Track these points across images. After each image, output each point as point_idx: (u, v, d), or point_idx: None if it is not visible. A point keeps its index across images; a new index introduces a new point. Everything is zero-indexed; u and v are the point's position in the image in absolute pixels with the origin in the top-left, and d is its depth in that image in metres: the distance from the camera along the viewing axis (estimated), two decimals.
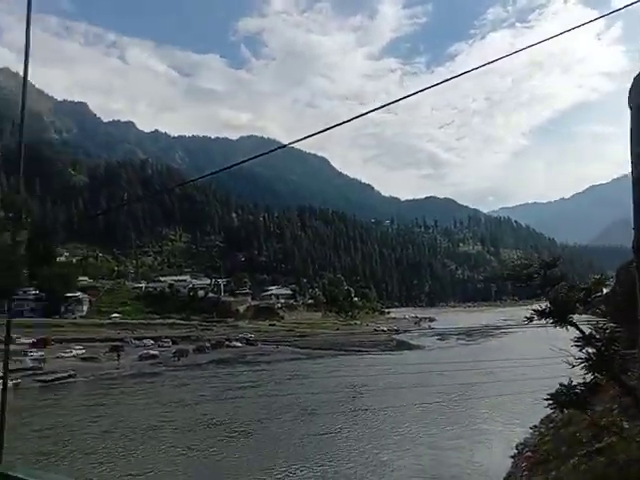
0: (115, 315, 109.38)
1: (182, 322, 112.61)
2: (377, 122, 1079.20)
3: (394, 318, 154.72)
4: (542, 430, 29.45)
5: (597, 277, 17.87)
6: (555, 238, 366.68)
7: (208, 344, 79.75)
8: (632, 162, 9.74)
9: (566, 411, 28.72)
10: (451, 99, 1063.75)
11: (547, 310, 16.80)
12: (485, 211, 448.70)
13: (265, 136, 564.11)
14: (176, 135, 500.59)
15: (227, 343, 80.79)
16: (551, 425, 29.34)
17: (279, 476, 24.62)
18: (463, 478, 23.88)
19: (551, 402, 18.08)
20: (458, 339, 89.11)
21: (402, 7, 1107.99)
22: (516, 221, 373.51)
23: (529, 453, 24.79)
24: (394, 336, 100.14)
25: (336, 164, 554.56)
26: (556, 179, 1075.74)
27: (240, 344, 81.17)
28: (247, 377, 52.06)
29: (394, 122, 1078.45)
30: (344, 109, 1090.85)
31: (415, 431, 31.01)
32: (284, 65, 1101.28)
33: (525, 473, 21.81)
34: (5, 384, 2.40)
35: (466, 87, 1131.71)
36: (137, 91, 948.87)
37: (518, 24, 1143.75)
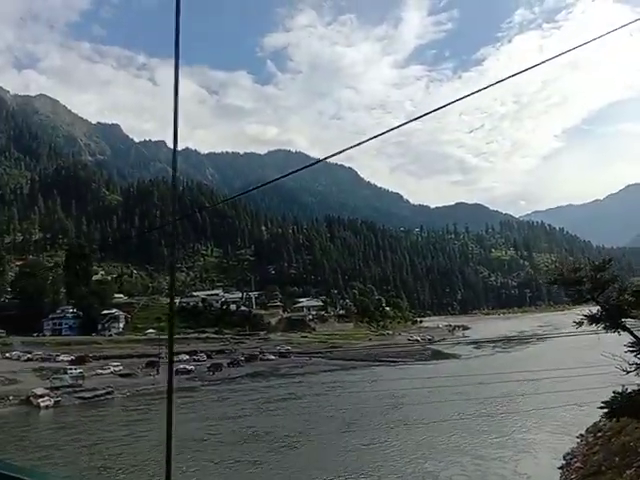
0: (150, 331, 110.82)
1: (215, 336, 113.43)
2: (403, 131, 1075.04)
3: (427, 327, 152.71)
4: (589, 439, 28.42)
5: None
6: (591, 241, 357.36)
7: (242, 357, 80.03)
8: None
9: (615, 420, 27.57)
10: (480, 103, 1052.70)
11: (598, 314, 16.27)
12: (517, 216, 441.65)
13: (292, 149, 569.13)
14: (206, 152, 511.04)
15: (261, 356, 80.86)
16: (599, 434, 28.27)
17: None
18: None
19: (605, 410, 17.40)
20: (494, 347, 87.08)
21: (427, 14, 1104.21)
22: (549, 224, 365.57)
23: (578, 464, 23.89)
24: (428, 346, 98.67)
25: (363, 174, 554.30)
26: (590, 180, 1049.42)
27: (273, 357, 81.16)
28: (285, 390, 51.95)
29: (421, 130, 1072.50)
30: (369, 120, 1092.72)
31: (459, 441, 30.45)
32: (310, 78, 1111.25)
33: None
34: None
35: (494, 90, 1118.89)
36: (167, 111, 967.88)
37: (546, 25, 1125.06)
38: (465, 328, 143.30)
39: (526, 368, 54.92)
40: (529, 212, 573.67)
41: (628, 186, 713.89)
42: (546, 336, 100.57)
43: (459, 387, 43.19)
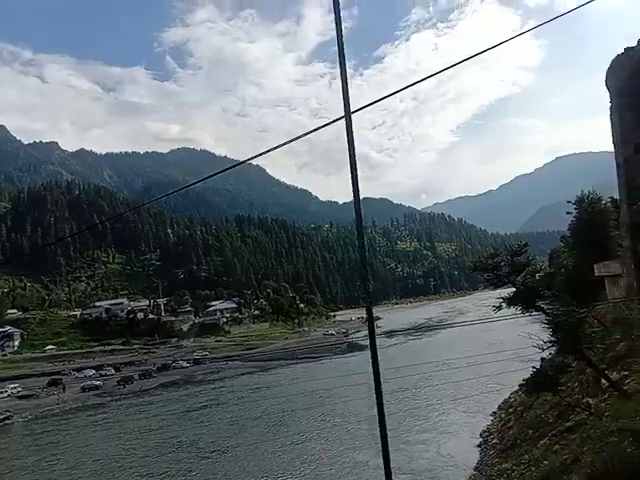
0: (50, 347, 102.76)
1: (123, 347, 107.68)
2: (308, 127, 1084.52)
3: (341, 321, 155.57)
4: (502, 416, 29.88)
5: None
6: (486, 229, 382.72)
7: (154, 367, 76.32)
8: (614, 143, 9.72)
9: (530, 395, 29.12)
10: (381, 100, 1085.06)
11: (515, 297, 16.87)
12: (419, 208, 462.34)
13: (197, 147, 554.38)
14: (103, 153, 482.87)
15: (174, 364, 77.61)
16: (511, 410, 29.83)
17: None
18: (436, 471, 23.65)
19: (526, 386, 18.10)
20: (406, 336, 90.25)
21: (327, 11, 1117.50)
22: (449, 215, 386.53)
23: (495, 440, 24.93)
24: (344, 339, 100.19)
25: (272, 172, 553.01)
26: (484, 172, 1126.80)
27: (187, 364, 78.21)
28: (205, 396, 50.06)
29: (326, 128, 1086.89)
30: (275, 117, 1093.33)
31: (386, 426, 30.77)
32: (212, 74, 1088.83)
33: (495, 460, 21.82)
34: None
35: (394, 87, 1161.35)
36: (59, 109, 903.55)
37: (440, 24, 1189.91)
38: (377, 318, 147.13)
39: (439, 353, 57.42)
40: (430, 204, 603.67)
41: (517, 177, 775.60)
42: (452, 322, 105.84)
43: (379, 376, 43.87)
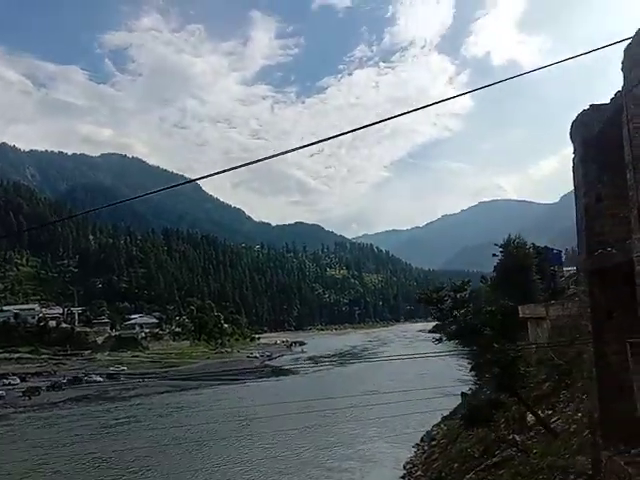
0: None
1: (31, 356, 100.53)
2: (248, 148, 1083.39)
3: (265, 343, 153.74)
4: (425, 448, 30.50)
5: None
6: (411, 263, 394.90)
7: (64, 380, 71.51)
8: (576, 192, 10.41)
9: (445, 427, 29.79)
10: (320, 129, 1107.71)
11: (458, 331, 17.49)
12: (350, 237, 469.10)
13: (129, 154, 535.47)
14: (27, 149, 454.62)
15: (86, 378, 73.14)
16: (434, 443, 30.51)
17: None
18: None
19: (462, 422, 18.61)
20: (330, 362, 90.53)
21: (275, 36, 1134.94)
22: (377, 247, 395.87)
23: (419, 472, 25.31)
24: (267, 362, 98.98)
25: (205, 187, 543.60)
26: (412, 209, 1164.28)
27: (100, 379, 73.95)
28: (122, 413, 47.32)
29: (264, 148, 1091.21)
30: (214, 133, 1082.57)
31: (308, 454, 30.74)
32: (152, 82, 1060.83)
33: None
34: None
35: (334, 118, 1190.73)
36: None
37: (382, 63, 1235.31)
38: (302, 344, 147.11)
39: (364, 381, 57.95)
40: (360, 234, 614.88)
41: (442, 216, 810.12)
42: (376, 350, 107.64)
43: (301, 402, 43.68)
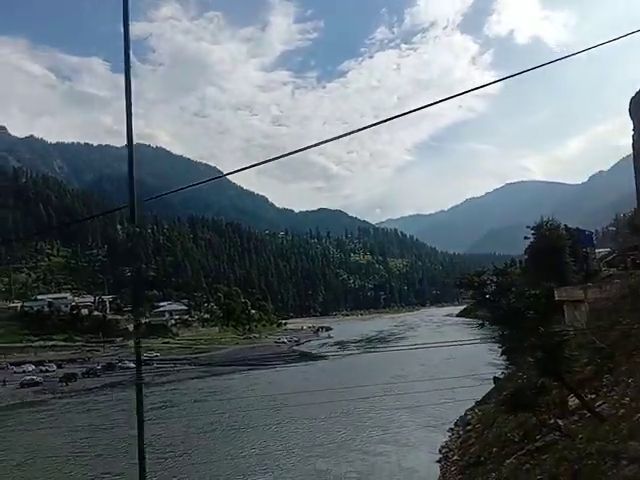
0: None
1: (65, 343, 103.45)
2: (269, 134, 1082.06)
3: (292, 329, 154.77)
4: (460, 433, 30.35)
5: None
6: (436, 247, 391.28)
7: (99, 366, 73.32)
8: (635, 162, 10.12)
9: (479, 412, 29.48)
10: (342, 114, 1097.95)
11: (502, 316, 17.19)
12: (373, 222, 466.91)
13: (152, 144, 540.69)
14: (54, 142, 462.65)
15: (119, 364, 74.81)
16: (469, 427, 30.33)
17: None
18: None
19: (503, 406, 18.40)
20: (359, 347, 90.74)
21: (294, 21, 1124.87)
22: (401, 232, 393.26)
23: (456, 457, 25.21)
24: (295, 347, 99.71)
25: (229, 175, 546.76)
26: (437, 192, 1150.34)
27: (134, 365, 75.54)
28: (158, 398, 48.20)
29: (287, 135, 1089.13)
30: (235, 120, 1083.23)
31: (344, 438, 31.19)
32: (172, 72, 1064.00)
33: (459, 477, 22.05)
34: None
35: (356, 102, 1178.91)
36: (8, 93, 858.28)
37: (403, 45, 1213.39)
38: (328, 329, 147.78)
39: (393, 366, 57.96)
40: (384, 220, 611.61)
41: (467, 199, 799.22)
42: (402, 335, 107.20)
43: (333, 387, 43.93)
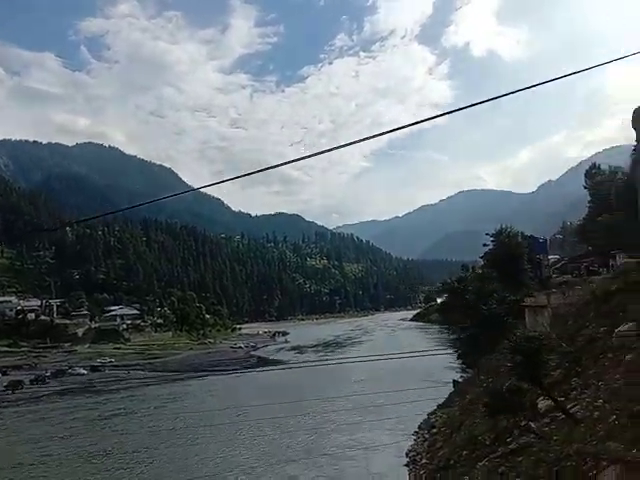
0: None
1: (9, 349, 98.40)
2: (226, 137, 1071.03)
3: (247, 334, 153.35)
4: (426, 436, 30.60)
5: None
6: (391, 253, 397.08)
7: (47, 373, 69.97)
8: (636, 174, 10.37)
9: (444, 415, 29.79)
10: (300, 119, 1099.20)
11: (483, 320, 17.41)
12: (330, 227, 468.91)
13: (105, 144, 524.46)
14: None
15: (70, 371, 71.68)
16: (434, 430, 30.63)
17: None
18: None
19: (486, 410, 18.58)
20: (316, 352, 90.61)
21: (254, 25, 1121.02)
22: (357, 237, 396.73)
23: (425, 460, 25.34)
24: (252, 352, 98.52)
25: (184, 177, 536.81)
26: (392, 199, 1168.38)
27: (85, 371, 72.59)
28: (113, 405, 46.38)
29: (243, 138, 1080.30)
30: (193, 122, 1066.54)
31: (311, 441, 30.84)
32: (128, 70, 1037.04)
33: None
34: None
35: (314, 107, 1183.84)
36: None
37: (362, 53, 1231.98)
38: (285, 334, 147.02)
39: (352, 371, 58.02)
40: (341, 225, 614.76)
41: (422, 206, 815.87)
42: (358, 340, 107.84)
43: (294, 392, 43.64)
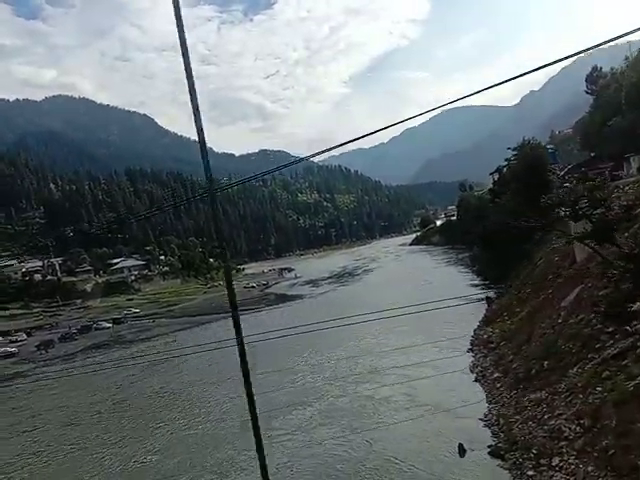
0: None
1: (22, 311, 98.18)
2: (198, 74, 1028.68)
3: (253, 274, 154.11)
4: (485, 351, 31.11)
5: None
6: (380, 180, 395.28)
7: (74, 330, 70.21)
8: None
9: (496, 331, 29.79)
10: (273, 48, 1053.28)
11: (593, 231, 17.01)
12: (316, 160, 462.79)
13: (75, 95, 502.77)
14: None
15: (95, 326, 71.95)
16: (492, 346, 31.12)
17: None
18: (450, 405, 24.00)
19: (601, 317, 18.50)
20: (330, 284, 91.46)
21: None
22: (346, 167, 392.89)
23: (498, 374, 25.81)
24: (266, 290, 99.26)
25: (161, 122, 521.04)
26: (376, 125, 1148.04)
27: (109, 325, 72.86)
28: (159, 349, 46.73)
29: (216, 75, 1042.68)
30: (162, 62, 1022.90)
31: (377, 362, 32.06)
32: (86, 13, 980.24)
33: (513, 393, 22.54)
34: None
35: (285, 34, 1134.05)
36: None
37: None
38: (290, 270, 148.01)
39: (377, 295, 58.61)
40: (326, 157, 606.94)
41: (406, 129, 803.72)
42: (370, 268, 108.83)
43: (331, 319, 44.19)
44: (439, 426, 21.95)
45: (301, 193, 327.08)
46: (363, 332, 39.85)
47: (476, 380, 26.98)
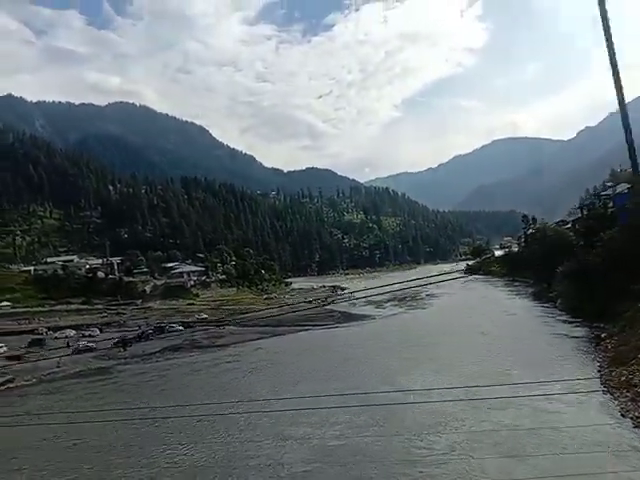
0: (5, 304, 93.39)
1: (85, 307, 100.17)
2: (252, 90, 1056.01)
3: (300, 288, 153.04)
4: (628, 395, 28.79)
5: None
6: (427, 205, 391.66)
7: (150, 330, 70.69)
8: None
9: (637, 373, 27.19)
10: (328, 69, 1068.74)
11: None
12: (362, 181, 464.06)
13: (136, 102, 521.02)
14: (34, 100, 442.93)
15: (168, 327, 72.29)
16: (637, 389, 28.73)
17: None
18: None
19: None
20: (395, 306, 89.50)
21: None
22: (393, 190, 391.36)
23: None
24: (326, 307, 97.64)
25: (214, 133, 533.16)
26: (424, 149, 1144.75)
27: (182, 327, 73.01)
28: (246, 357, 46.28)
29: (271, 92, 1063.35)
30: (220, 77, 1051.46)
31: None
32: (153, 26, 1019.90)
33: None
34: None
35: (342, 57, 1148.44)
36: None
37: None
38: (341, 288, 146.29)
39: (461, 321, 56.65)
40: (373, 178, 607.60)
41: (455, 156, 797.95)
42: (434, 294, 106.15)
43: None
44: None
45: (347, 212, 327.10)
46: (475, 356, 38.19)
47: (636, 427, 24.81)
